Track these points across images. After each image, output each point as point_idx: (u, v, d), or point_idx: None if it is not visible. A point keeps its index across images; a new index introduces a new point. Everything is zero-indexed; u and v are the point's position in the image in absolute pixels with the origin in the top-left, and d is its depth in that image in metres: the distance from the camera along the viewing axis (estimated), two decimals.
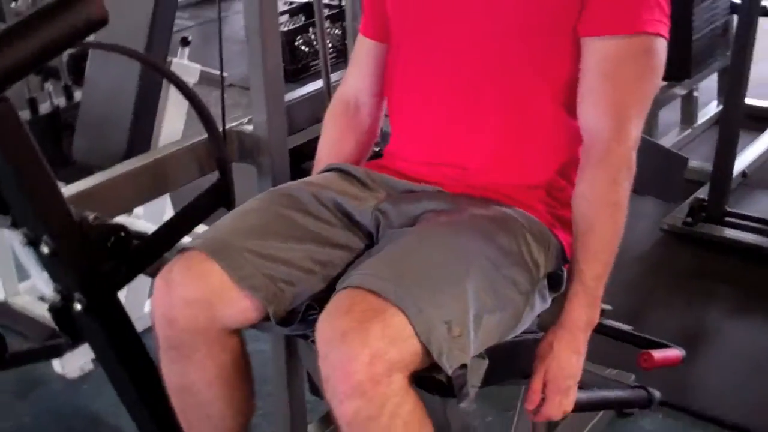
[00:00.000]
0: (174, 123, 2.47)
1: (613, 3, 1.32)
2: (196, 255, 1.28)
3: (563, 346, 1.29)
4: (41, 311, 2.24)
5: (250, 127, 1.78)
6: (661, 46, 1.34)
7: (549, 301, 1.38)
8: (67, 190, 1.58)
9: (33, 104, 2.74)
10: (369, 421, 1.10)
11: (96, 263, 1.40)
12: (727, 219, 2.92)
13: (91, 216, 1.41)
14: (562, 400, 1.29)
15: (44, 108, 2.78)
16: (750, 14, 2.74)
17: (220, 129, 1.67)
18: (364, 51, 1.58)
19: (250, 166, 1.81)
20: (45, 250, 1.36)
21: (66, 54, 2.90)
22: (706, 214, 2.92)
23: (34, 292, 2.37)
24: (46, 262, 1.43)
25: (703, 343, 2.44)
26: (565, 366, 1.29)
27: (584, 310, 1.30)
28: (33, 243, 1.37)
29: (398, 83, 1.50)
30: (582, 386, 1.61)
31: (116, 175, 1.64)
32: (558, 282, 1.38)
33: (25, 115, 2.76)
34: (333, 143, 1.58)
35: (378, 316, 1.10)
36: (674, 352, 1.67)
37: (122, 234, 1.44)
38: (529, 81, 1.37)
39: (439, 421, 1.51)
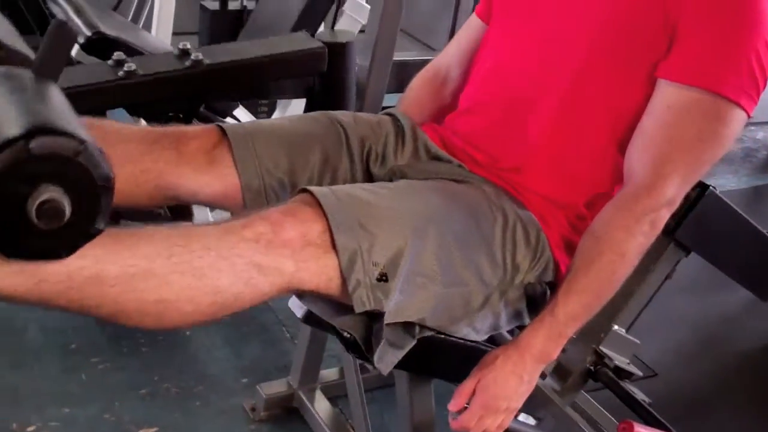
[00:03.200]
0: None
1: (700, 54, 1.23)
2: (221, 134, 1.33)
3: (508, 364, 1.24)
4: None
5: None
6: (737, 116, 1.24)
7: (526, 319, 1.33)
8: None
9: None
10: (251, 241, 1.06)
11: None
12: None
13: None
14: (485, 418, 1.24)
15: (233, 5, 2.96)
16: None
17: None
18: (468, 28, 1.58)
19: None
20: None
21: None
22: None
23: None
24: None
25: None
26: (501, 383, 1.23)
27: (543, 340, 1.24)
28: None
29: (481, 60, 1.49)
30: None
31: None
32: (540, 302, 1.32)
33: (213, 5, 2.95)
34: (412, 103, 1.58)
35: (310, 221, 1.11)
36: None
37: None
38: (596, 105, 1.32)
39: None
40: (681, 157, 1.24)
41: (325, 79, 1.70)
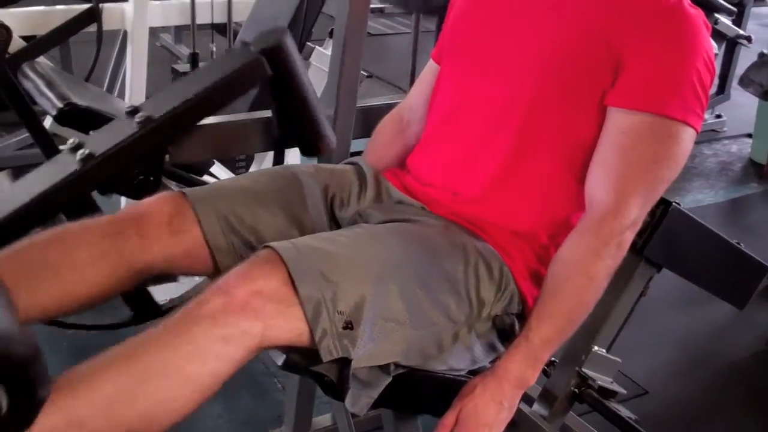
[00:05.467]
0: None
1: (645, 80, 1.30)
2: (182, 200, 1.37)
3: (486, 392, 1.27)
4: None
5: None
6: (687, 134, 1.31)
7: (501, 350, 1.36)
8: None
9: (194, 59, 2.98)
10: (201, 319, 1.09)
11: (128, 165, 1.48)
12: None
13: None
14: None
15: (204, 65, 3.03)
16: None
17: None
18: (427, 73, 1.64)
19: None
20: None
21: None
22: None
23: None
24: None
25: None
26: (481, 411, 1.26)
27: (519, 366, 1.27)
28: None
29: (435, 103, 1.54)
30: None
31: None
32: (510, 333, 1.35)
33: (184, 67, 3.01)
34: (378, 146, 1.65)
35: (273, 275, 1.14)
36: None
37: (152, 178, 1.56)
38: (549, 136, 1.37)
39: None
40: (640, 178, 1.29)
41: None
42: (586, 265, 1.28)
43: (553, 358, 1.87)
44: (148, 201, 1.37)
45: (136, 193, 1.54)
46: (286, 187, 1.43)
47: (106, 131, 1.52)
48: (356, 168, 1.54)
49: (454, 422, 1.27)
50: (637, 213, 1.30)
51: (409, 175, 1.51)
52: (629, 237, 1.31)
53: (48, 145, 2.30)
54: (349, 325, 1.16)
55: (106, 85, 2.97)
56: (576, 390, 1.77)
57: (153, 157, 1.55)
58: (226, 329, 1.09)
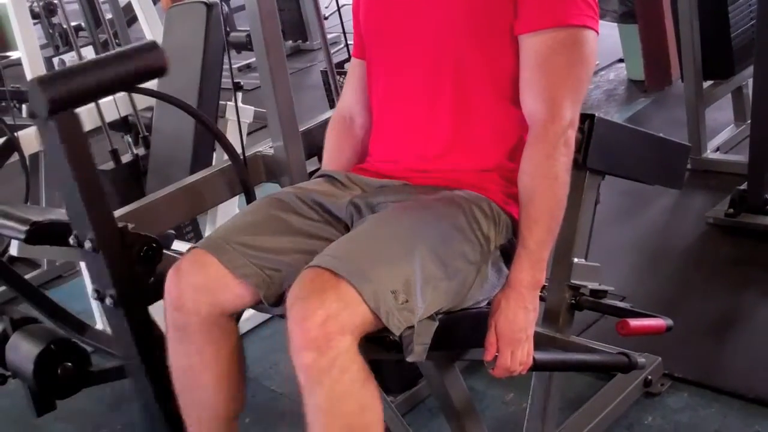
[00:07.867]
0: None
1: (539, 2, 1.51)
2: (198, 252, 1.53)
3: (510, 302, 1.47)
4: None
5: (271, 152, 2.04)
6: (589, 36, 1.53)
7: (505, 270, 1.56)
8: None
9: (115, 155, 3.10)
10: (321, 373, 1.29)
11: (129, 265, 1.65)
12: None
13: (130, 226, 1.68)
14: (515, 352, 1.47)
15: (126, 158, 3.15)
16: None
17: (242, 156, 1.94)
18: (354, 70, 1.83)
19: (275, 185, 2.08)
20: (88, 245, 1.62)
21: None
22: (747, 205, 2.97)
23: None
24: (88, 259, 1.69)
25: (735, 326, 2.51)
26: (513, 319, 1.46)
27: (528, 271, 1.48)
28: (80, 244, 1.64)
29: (373, 92, 1.74)
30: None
31: (156, 198, 1.92)
32: (511, 254, 1.54)
33: (108, 165, 3.12)
34: (332, 152, 1.82)
35: (332, 287, 1.31)
36: (657, 321, 1.80)
37: (154, 245, 1.71)
38: (479, 79, 1.58)
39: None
40: (563, 84, 1.51)
41: None
42: (546, 169, 1.48)
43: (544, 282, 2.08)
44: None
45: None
46: (279, 210, 1.59)
47: None
48: (327, 178, 1.71)
49: (495, 339, 1.47)
50: (570, 112, 1.50)
51: (376, 159, 1.70)
52: (572, 134, 1.51)
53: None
54: (405, 300, 1.35)
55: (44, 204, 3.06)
56: (572, 301, 1.98)
57: None
58: (337, 363, 1.29)
